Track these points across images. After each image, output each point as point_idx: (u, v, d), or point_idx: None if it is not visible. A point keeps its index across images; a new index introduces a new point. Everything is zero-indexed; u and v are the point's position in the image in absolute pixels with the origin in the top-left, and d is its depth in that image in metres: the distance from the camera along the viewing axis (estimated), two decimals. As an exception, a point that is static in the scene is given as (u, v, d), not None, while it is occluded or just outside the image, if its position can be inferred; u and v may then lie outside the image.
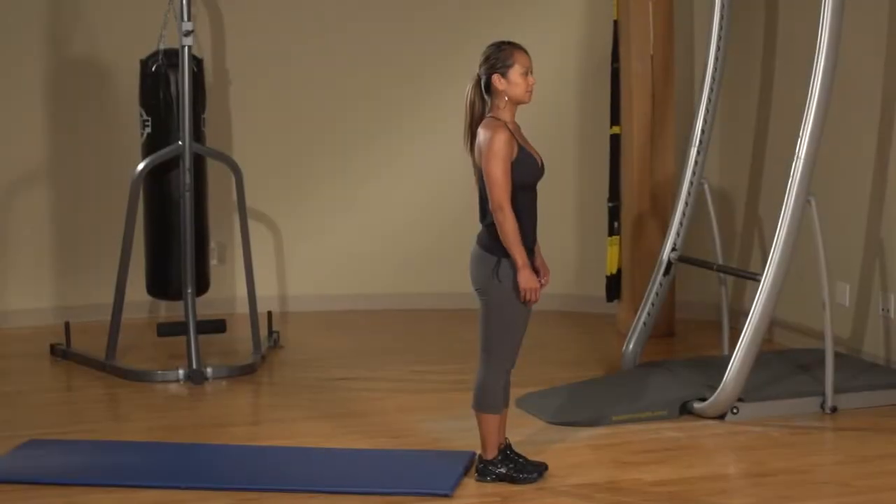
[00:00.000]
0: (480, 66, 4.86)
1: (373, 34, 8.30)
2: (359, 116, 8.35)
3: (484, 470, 4.97)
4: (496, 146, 4.73)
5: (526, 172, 4.80)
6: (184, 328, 6.76)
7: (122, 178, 7.36)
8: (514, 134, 4.80)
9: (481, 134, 4.78)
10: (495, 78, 4.80)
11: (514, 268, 4.77)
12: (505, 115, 4.81)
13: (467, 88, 4.87)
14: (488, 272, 4.83)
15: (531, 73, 4.83)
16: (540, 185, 4.90)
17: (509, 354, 4.90)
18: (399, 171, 8.40)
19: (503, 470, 4.95)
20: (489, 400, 4.90)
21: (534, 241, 4.89)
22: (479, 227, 4.79)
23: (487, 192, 4.80)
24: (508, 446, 5.01)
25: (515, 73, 4.79)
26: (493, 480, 4.96)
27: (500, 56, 4.81)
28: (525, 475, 4.95)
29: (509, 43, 4.85)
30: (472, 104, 4.86)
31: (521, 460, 4.99)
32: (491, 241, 4.84)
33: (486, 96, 4.84)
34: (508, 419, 5.14)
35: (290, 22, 8.25)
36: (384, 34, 8.31)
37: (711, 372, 6.04)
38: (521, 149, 4.79)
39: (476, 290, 4.90)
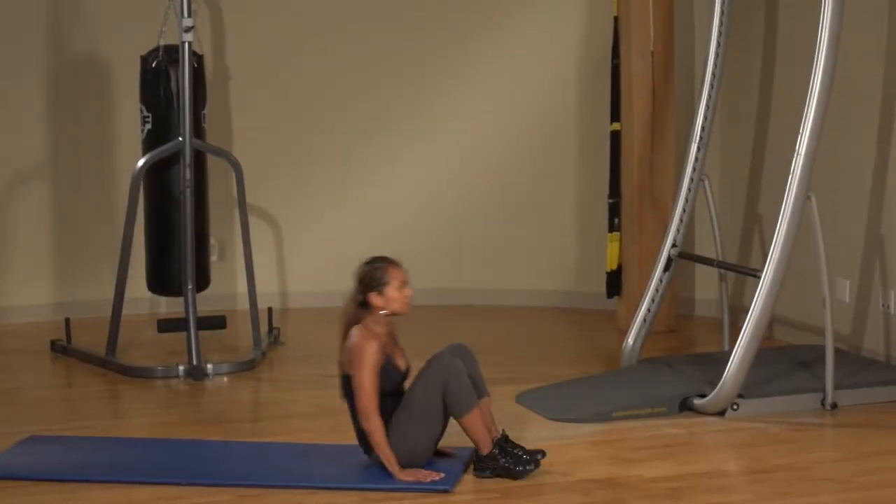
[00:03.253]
0: (356, 284, 5.00)
1: (373, 32, 8.30)
2: (359, 113, 8.34)
3: (481, 465, 4.97)
4: (366, 355, 4.88)
5: (389, 381, 4.95)
6: (184, 324, 6.76)
7: (123, 175, 7.38)
8: (385, 344, 4.95)
9: (352, 340, 4.94)
10: (372, 296, 4.95)
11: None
12: (377, 327, 4.96)
13: (343, 304, 5.05)
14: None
15: (407, 284, 4.97)
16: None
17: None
18: (399, 169, 8.40)
19: (501, 462, 4.95)
20: (456, 406, 4.90)
21: None
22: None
23: (355, 398, 4.92)
24: (505, 438, 5.01)
25: (392, 289, 4.96)
26: (491, 475, 4.96)
27: (375, 275, 4.97)
28: (522, 467, 4.95)
29: (382, 259, 5.02)
30: (348, 317, 5.02)
31: (518, 451, 4.98)
32: (362, 441, 5.03)
33: (361, 310, 4.98)
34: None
35: (291, 19, 8.24)
36: (384, 32, 8.30)
37: (711, 368, 6.04)
38: (388, 359, 4.95)
39: None
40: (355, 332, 4.98)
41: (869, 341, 6.69)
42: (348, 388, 4.99)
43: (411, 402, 4.92)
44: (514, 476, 4.93)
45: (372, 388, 4.88)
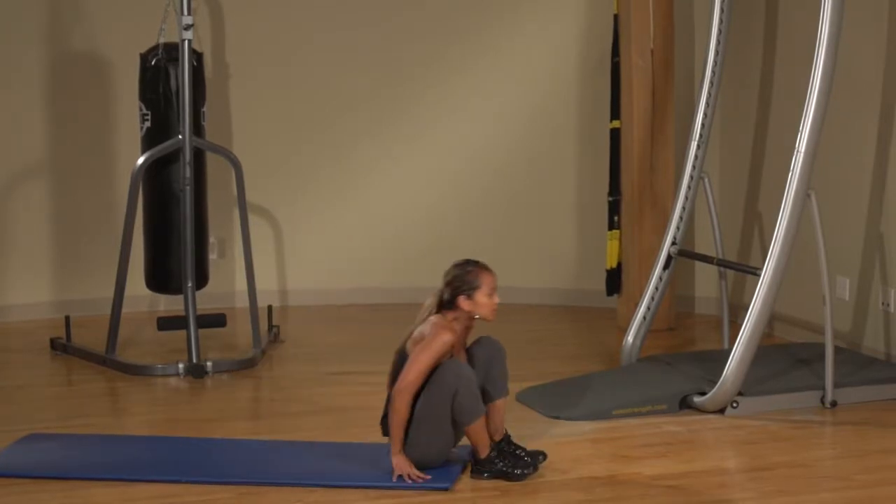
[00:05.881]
0: (445, 284, 4.91)
1: (373, 30, 8.29)
2: (359, 111, 8.34)
3: (478, 468, 4.97)
4: (437, 344, 4.80)
5: None
6: (184, 322, 6.76)
7: (122, 173, 7.37)
8: (456, 344, 4.89)
9: (430, 325, 4.85)
10: (461, 300, 4.88)
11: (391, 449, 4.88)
12: (458, 325, 4.90)
13: (428, 301, 4.95)
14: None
15: (496, 291, 4.90)
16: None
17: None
18: (399, 166, 8.40)
19: (498, 465, 4.94)
20: (463, 414, 4.87)
21: None
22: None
23: (404, 369, 4.85)
24: (507, 439, 5.01)
25: (482, 294, 4.88)
26: (488, 477, 4.95)
27: (466, 278, 4.88)
28: (520, 471, 4.93)
29: (474, 262, 4.92)
30: (429, 311, 4.93)
31: (518, 452, 4.98)
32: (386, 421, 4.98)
33: (445, 308, 4.91)
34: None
35: (291, 16, 8.24)
36: (384, 31, 8.30)
37: (711, 366, 6.05)
38: (450, 358, 4.88)
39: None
40: (435, 318, 4.88)
41: (869, 339, 6.69)
42: (398, 368, 4.91)
43: (424, 409, 4.86)
44: (511, 479, 4.92)
45: (425, 372, 4.80)
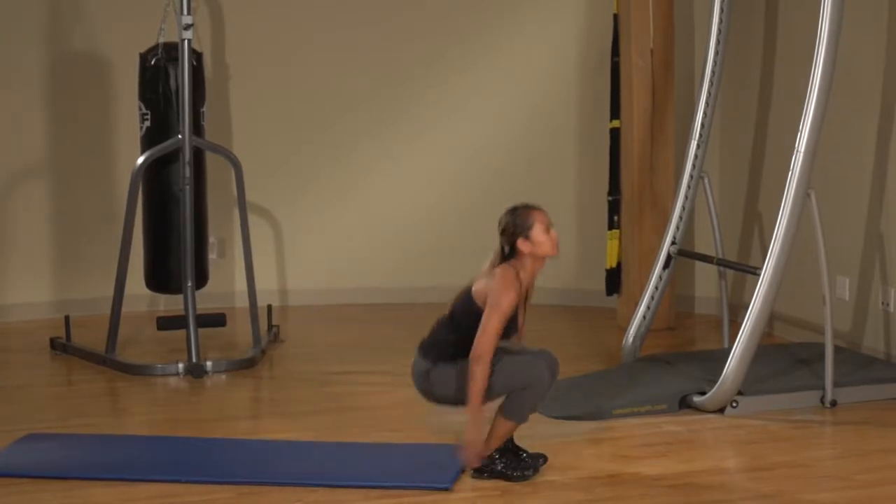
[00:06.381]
0: (501, 234, 4.88)
1: (373, 30, 8.29)
2: (359, 110, 8.34)
3: (479, 468, 4.95)
4: (504, 303, 4.76)
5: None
6: (184, 322, 6.76)
7: (122, 172, 7.37)
8: (520, 295, 4.84)
9: (498, 279, 4.80)
10: (520, 242, 4.83)
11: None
12: (524, 273, 4.85)
13: (490, 259, 4.90)
14: (424, 375, 4.91)
15: (552, 226, 4.87)
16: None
17: (523, 379, 4.85)
18: (399, 165, 8.40)
19: (499, 467, 4.94)
20: (516, 408, 4.86)
21: None
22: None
23: (477, 336, 4.77)
24: (510, 439, 5.00)
25: (538, 232, 4.85)
26: (488, 477, 4.94)
27: (517, 221, 4.85)
28: (520, 472, 4.93)
29: (523, 205, 4.90)
30: (492, 266, 4.88)
31: (521, 454, 4.98)
32: (431, 351, 4.91)
33: (509, 258, 4.87)
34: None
35: (291, 16, 8.24)
36: (384, 30, 8.30)
37: (711, 366, 6.04)
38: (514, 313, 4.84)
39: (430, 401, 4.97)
40: (502, 270, 4.82)
41: (868, 339, 6.69)
42: (461, 308, 4.87)
43: (492, 383, 4.80)
44: (511, 480, 4.92)
45: (496, 334, 4.75)
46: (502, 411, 4.89)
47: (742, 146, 7.67)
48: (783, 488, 4.88)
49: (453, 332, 4.89)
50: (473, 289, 4.88)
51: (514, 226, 4.85)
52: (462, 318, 4.88)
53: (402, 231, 8.36)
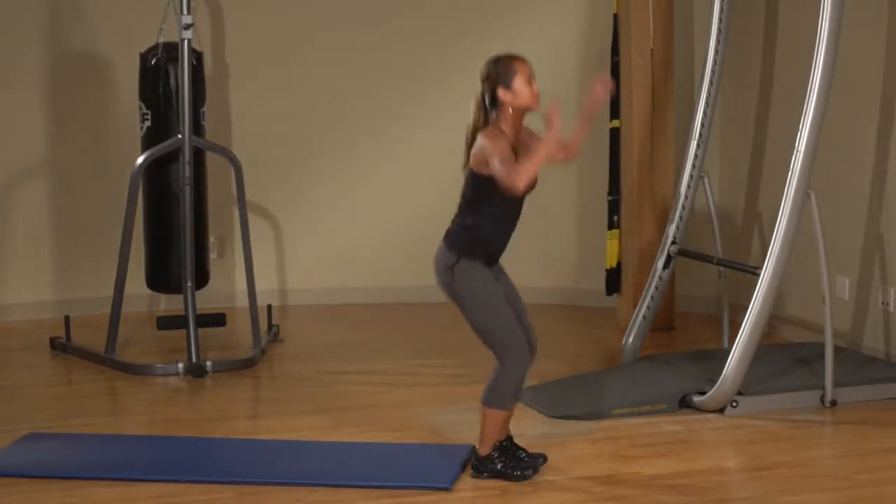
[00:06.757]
0: (482, 83, 4.80)
1: (373, 30, 8.29)
2: (359, 109, 8.34)
3: (479, 466, 4.96)
4: (497, 148, 4.67)
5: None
6: (183, 322, 6.76)
7: (122, 172, 7.36)
8: (514, 145, 4.75)
9: (480, 139, 4.73)
10: (500, 91, 4.75)
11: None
12: (507, 127, 4.77)
13: (471, 108, 4.81)
14: (448, 271, 4.85)
15: (534, 79, 4.78)
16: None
17: (517, 341, 4.82)
18: (399, 165, 8.40)
19: (498, 466, 4.93)
20: (495, 395, 4.86)
21: (501, 252, 4.90)
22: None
23: (499, 180, 4.67)
24: (509, 438, 5.00)
25: (518, 82, 4.75)
26: (487, 477, 4.94)
27: (499, 70, 4.77)
28: (520, 472, 4.93)
29: (506, 54, 4.81)
30: (476, 121, 4.81)
31: (520, 454, 4.98)
32: (454, 238, 4.87)
33: (489, 112, 4.78)
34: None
35: (291, 16, 8.24)
36: (384, 30, 8.30)
37: (711, 365, 6.05)
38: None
39: (448, 295, 4.90)
40: (482, 132, 4.74)
41: (868, 339, 6.69)
42: (469, 185, 4.79)
43: (475, 321, 4.81)
44: (510, 480, 4.92)
45: (509, 159, 4.61)
46: (484, 402, 4.88)
47: (742, 146, 7.67)
48: (783, 488, 4.87)
49: (470, 215, 4.82)
50: (470, 164, 4.78)
51: (496, 74, 4.76)
52: (471, 194, 4.80)
53: (403, 231, 8.35)
